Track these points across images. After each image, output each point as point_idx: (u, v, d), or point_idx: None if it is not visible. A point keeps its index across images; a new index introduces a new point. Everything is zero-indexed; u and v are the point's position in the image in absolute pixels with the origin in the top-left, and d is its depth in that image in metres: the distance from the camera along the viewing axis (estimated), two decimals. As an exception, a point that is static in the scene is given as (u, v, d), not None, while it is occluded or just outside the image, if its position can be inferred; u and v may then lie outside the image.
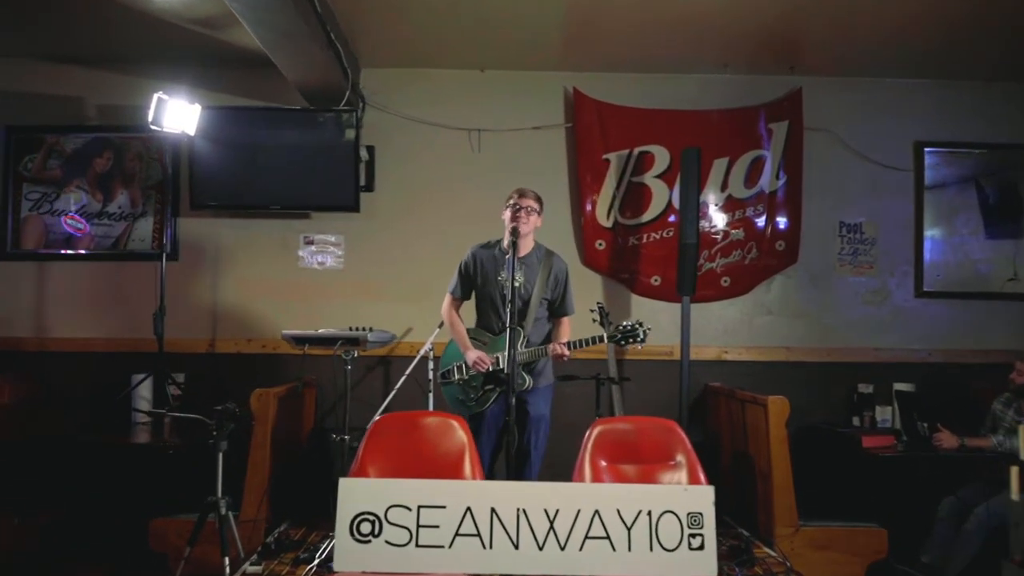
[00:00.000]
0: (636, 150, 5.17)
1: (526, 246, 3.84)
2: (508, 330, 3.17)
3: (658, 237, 5.18)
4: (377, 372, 5.24)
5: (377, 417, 4.70)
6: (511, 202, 3.78)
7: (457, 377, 3.83)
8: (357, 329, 3.68)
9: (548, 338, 3.88)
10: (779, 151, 5.17)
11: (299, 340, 3.74)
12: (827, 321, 5.27)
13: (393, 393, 4.78)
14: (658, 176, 5.18)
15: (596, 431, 3.08)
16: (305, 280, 5.27)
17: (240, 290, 5.26)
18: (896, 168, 5.28)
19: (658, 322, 5.16)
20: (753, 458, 4.30)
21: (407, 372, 4.80)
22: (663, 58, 5.01)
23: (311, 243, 5.28)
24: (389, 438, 2.80)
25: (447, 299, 4.00)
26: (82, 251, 5.23)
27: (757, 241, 5.18)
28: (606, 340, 3.68)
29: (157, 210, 5.24)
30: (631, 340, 3.66)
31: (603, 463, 2.80)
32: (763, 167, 5.18)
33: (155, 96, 4.46)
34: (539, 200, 3.85)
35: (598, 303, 4.47)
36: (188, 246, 5.28)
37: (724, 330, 5.27)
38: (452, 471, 2.69)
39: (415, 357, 4.82)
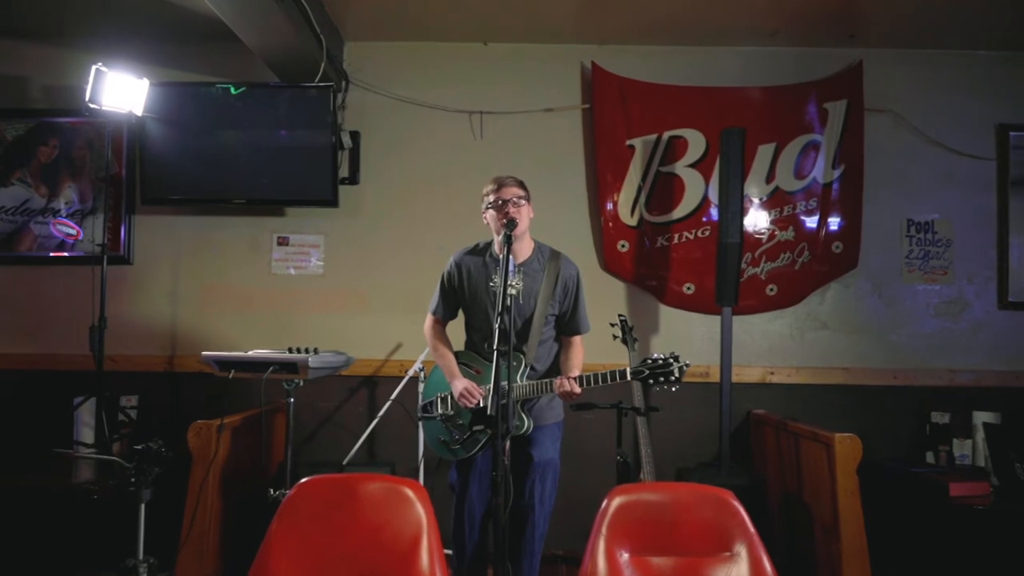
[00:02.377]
0: (666, 135, 4.39)
1: (524, 248, 3.07)
2: (495, 354, 2.38)
3: (692, 237, 4.39)
4: (361, 395, 4.49)
5: (352, 453, 4.00)
6: (489, 199, 3.01)
7: (440, 412, 3.05)
8: (298, 350, 2.89)
9: (556, 364, 3.10)
10: (835, 136, 4.36)
11: (223, 364, 2.97)
12: (893, 337, 4.44)
13: (373, 425, 4.02)
14: (692, 165, 4.38)
15: (615, 504, 2.10)
16: (278, 288, 4.53)
17: (203, 299, 4.53)
18: (975, 156, 4.45)
19: (691, 337, 4.40)
20: (810, 508, 3.49)
21: (392, 397, 4.05)
22: (697, 26, 4.23)
23: (285, 244, 4.54)
24: (312, 515, 1.92)
25: (428, 320, 3.24)
26: (25, 253, 4.53)
27: (809, 242, 4.37)
28: (629, 377, 2.86)
29: (110, 206, 4.53)
30: (662, 379, 2.83)
31: (624, 555, 1.92)
32: (816, 155, 4.38)
33: (92, 68, 3.75)
34: (523, 186, 3.07)
35: (620, 316, 3.70)
36: (144, 248, 4.56)
37: (770, 347, 4.46)
38: (402, 567, 1.84)
39: (404, 378, 4.08)
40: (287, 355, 2.87)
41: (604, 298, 4.41)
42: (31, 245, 4.54)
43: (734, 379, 4.18)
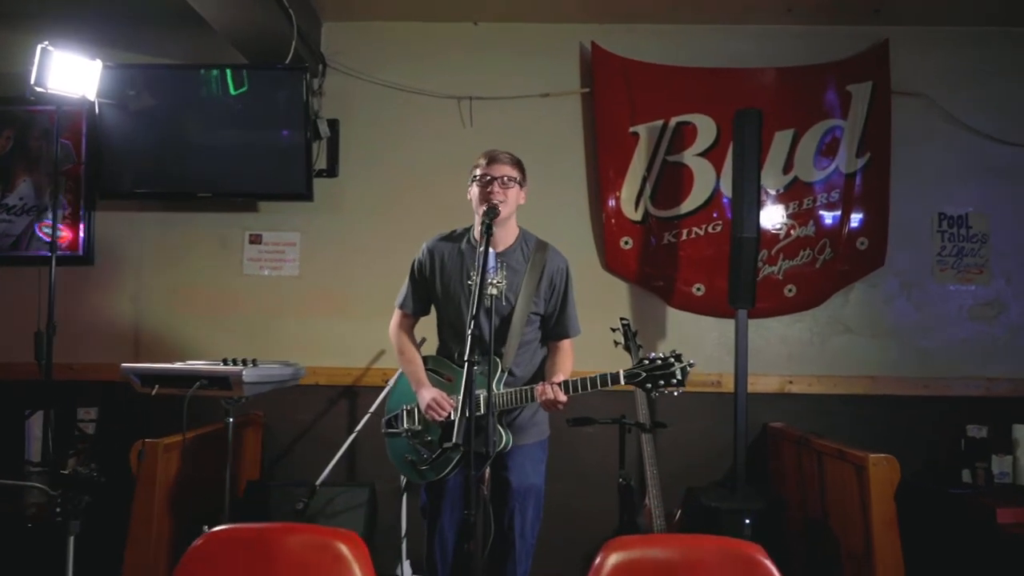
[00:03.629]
0: (673, 121, 4.00)
1: (506, 235, 2.68)
2: (466, 366, 2.00)
3: (702, 233, 4.00)
4: (341, 407, 4.11)
5: (327, 473, 3.62)
6: (477, 172, 2.64)
7: (406, 427, 2.66)
8: (234, 361, 2.50)
9: (541, 371, 2.72)
10: (859, 121, 3.97)
11: (145, 378, 2.58)
12: (923, 343, 4.04)
13: (350, 440, 3.63)
14: (701, 154, 4.00)
15: (610, 564, 1.56)
16: (250, 290, 4.16)
17: (170, 302, 4.17)
18: (1015, 144, 4.04)
19: (702, 343, 4.01)
20: (837, 536, 3.09)
21: (371, 410, 3.66)
22: (707, 2, 3.85)
23: (258, 242, 4.17)
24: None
25: (395, 316, 2.86)
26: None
27: (831, 238, 3.98)
28: (622, 380, 2.48)
29: (69, 202, 4.17)
30: (662, 383, 2.44)
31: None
32: (838, 142, 3.99)
33: (38, 48, 3.39)
34: (519, 166, 2.70)
35: (622, 320, 3.32)
36: (106, 247, 4.20)
37: (788, 354, 4.06)
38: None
39: (385, 388, 3.70)
40: (219, 367, 2.47)
41: (605, 300, 4.02)
42: (-16, 245, 4.18)
43: (750, 388, 3.78)
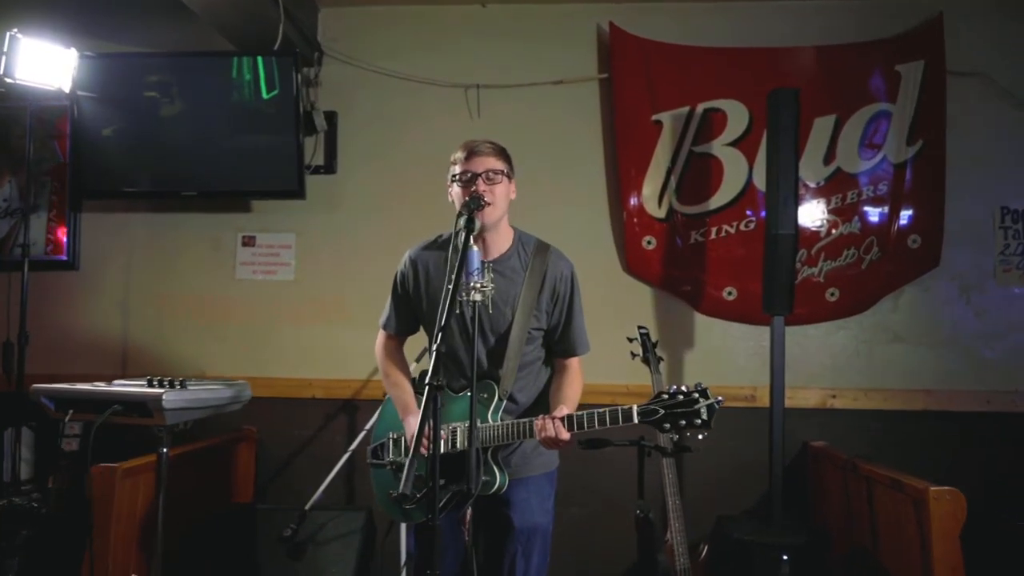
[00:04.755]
0: (700, 107, 3.62)
1: (499, 239, 2.31)
2: (427, 390, 1.67)
3: (732, 231, 3.61)
4: (340, 422, 3.81)
5: (318, 495, 3.30)
6: (456, 169, 2.26)
7: (391, 458, 2.32)
8: (159, 382, 2.16)
9: (547, 394, 2.36)
10: (910, 106, 3.55)
11: (60, 402, 2.25)
12: (985, 352, 3.60)
13: (343, 461, 3.33)
14: (732, 143, 3.62)
15: None
16: (244, 296, 3.88)
17: (158, 310, 3.90)
18: (1088, 128, 3.60)
19: (734, 353, 3.64)
20: (891, 577, 2.69)
21: (367, 427, 3.34)
22: (738, -26, 3.48)
23: (251, 244, 3.88)
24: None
25: (379, 337, 2.51)
26: (-41, 258, 3.95)
27: (879, 236, 3.56)
28: (635, 418, 2.10)
29: (54, 203, 3.93)
30: (683, 423, 2.04)
31: None
32: (886, 129, 3.58)
33: (7, 35, 3.15)
34: (504, 155, 2.30)
35: (640, 328, 2.96)
36: (92, 251, 3.95)
37: (831, 365, 3.65)
38: None
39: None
40: (137, 390, 2.14)
41: (626, 306, 3.66)
42: (-33, 249, 3.96)
43: (787, 403, 3.39)
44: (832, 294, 3.57)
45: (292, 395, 3.80)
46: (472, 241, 1.99)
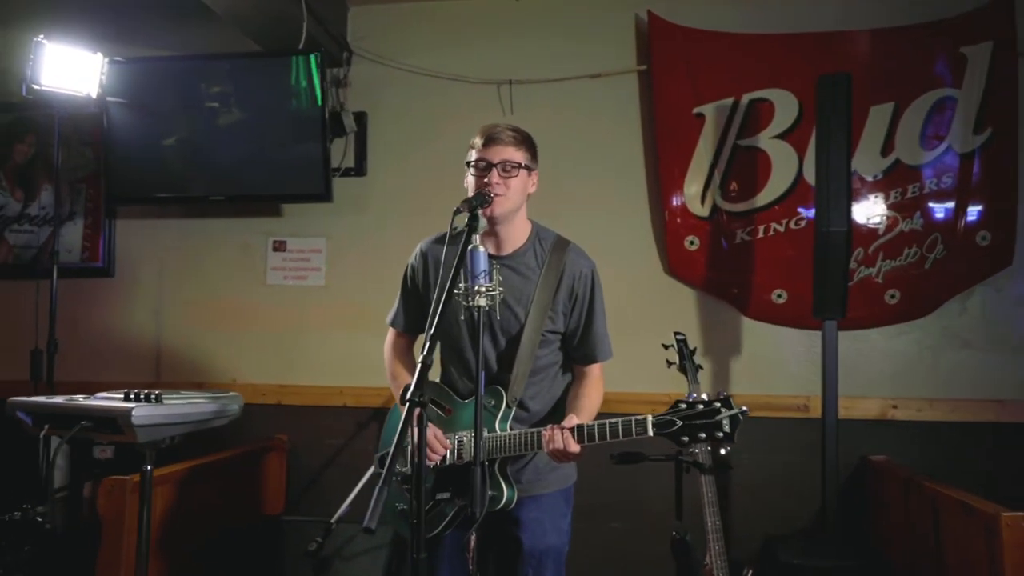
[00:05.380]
0: (745, 98, 3.40)
1: (514, 234, 2.15)
2: (407, 407, 1.52)
3: (782, 229, 3.38)
4: (371, 431, 3.69)
5: (344, 508, 3.19)
6: (472, 156, 2.11)
7: (396, 468, 2.18)
8: (136, 396, 2.04)
9: (564, 402, 2.19)
10: (977, 91, 3.27)
11: (37, 417, 2.14)
12: (1066, 359, 3.29)
13: (370, 473, 3.21)
14: (780, 136, 3.38)
15: None
16: (274, 301, 3.81)
17: (190, 316, 3.86)
18: None
19: (785, 359, 3.41)
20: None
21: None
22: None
23: (282, 249, 3.81)
24: None
25: (388, 335, 2.39)
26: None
27: (944, 233, 3.29)
28: (650, 430, 1.90)
29: (89, 210, 3.93)
30: (703, 436, 1.83)
31: None
32: (951, 117, 3.30)
33: (32, 43, 3.13)
34: (527, 144, 2.14)
35: (677, 334, 2.75)
36: (127, 257, 3.93)
37: (892, 373, 3.37)
38: None
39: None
40: (108, 404, 2.03)
41: (668, 310, 3.47)
42: (7, 256, 3.99)
43: (843, 414, 3.16)
44: (892, 296, 3.30)
45: (323, 403, 3.71)
46: (479, 241, 1.84)
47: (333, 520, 3.12)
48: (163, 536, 2.68)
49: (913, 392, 3.34)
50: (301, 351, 3.77)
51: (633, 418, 1.90)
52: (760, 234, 3.40)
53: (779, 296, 3.38)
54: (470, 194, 2.03)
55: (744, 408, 1.82)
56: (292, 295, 3.79)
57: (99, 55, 3.31)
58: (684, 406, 1.86)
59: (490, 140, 2.05)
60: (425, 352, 1.57)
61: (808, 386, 3.32)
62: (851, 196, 2.92)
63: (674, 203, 3.47)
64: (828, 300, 2.84)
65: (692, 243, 3.46)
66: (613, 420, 1.93)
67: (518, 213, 2.11)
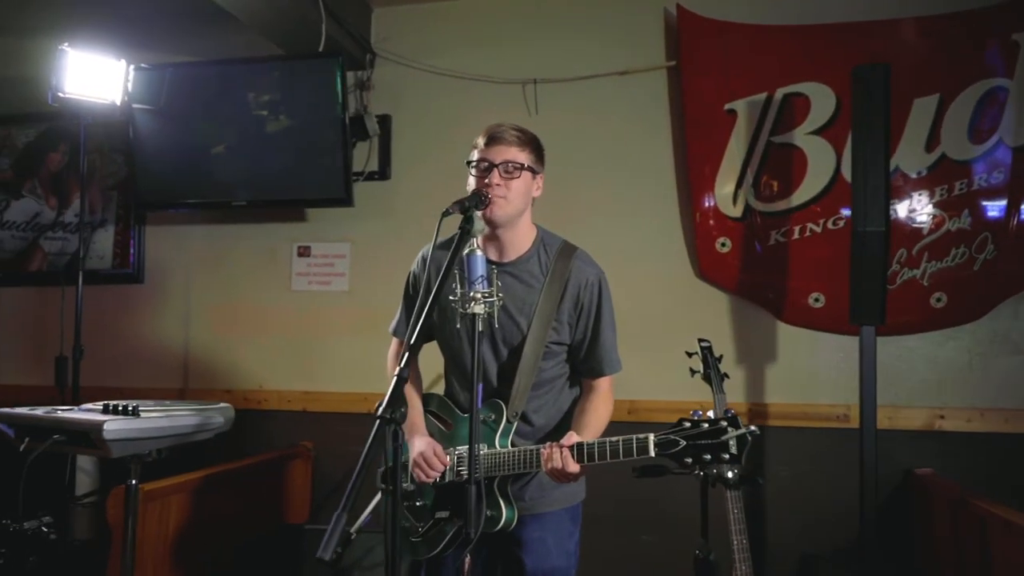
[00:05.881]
0: (779, 93, 3.25)
1: (516, 239, 2.04)
2: (376, 425, 1.43)
3: (818, 229, 3.22)
4: (395, 438, 3.62)
5: (364, 518, 3.13)
6: (474, 155, 2.03)
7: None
8: (114, 409, 1.97)
9: (570, 416, 2.08)
10: (1030, 80, 3.07)
11: (18, 428, 2.08)
12: None
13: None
14: (817, 131, 3.22)
15: None
16: (299, 307, 3.78)
17: (217, 322, 3.87)
18: None
19: (823, 366, 3.26)
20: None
21: (415, 445, 3.14)
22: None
23: (307, 254, 3.78)
24: None
25: (392, 346, 2.31)
26: (35, 271, 4.05)
27: (995, 232, 3.08)
28: (652, 451, 1.77)
29: (120, 217, 3.96)
30: (708, 458, 1.70)
31: None
32: (1001, 108, 3.09)
33: (56, 51, 3.16)
34: (532, 145, 2.04)
35: (701, 341, 2.63)
36: (156, 263, 3.96)
37: (938, 380, 3.18)
38: None
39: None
40: (81, 417, 1.96)
41: (699, 315, 3.33)
42: (42, 263, 4.05)
43: (885, 424, 3.01)
44: (938, 299, 3.11)
45: (348, 410, 3.66)
46: (477, 244, 1.75)
47: (353, 530, 3.07)
48: (179, 546, 2.65)
49: (962, 401, 3.14)
50: (325, 357, 3.73)
51: (634, 437, 1.78)
52: (796, 235, 3.24)
53: (816, 300, 3.22)
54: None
55: (753, 428, 1.70)
56: (317, 300, 3.76)
57: (123, 62, 3.32)
58: (688, 425, 1.74)
59: (493, 139, 1.97)
60: (402, 364, 1.49)
61: (848, 395, 3.15)
62: (889, 193, 2.74)
63: (705, 204, 3.34)
64: (865, 304, 2.68)
65: (724, 245, 3.31)
66: (614, 439, 1.82)
67: (521, 218, 2.01)
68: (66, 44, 3.17)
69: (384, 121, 3.68)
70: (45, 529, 2.15)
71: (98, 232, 3.96)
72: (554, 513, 2.02)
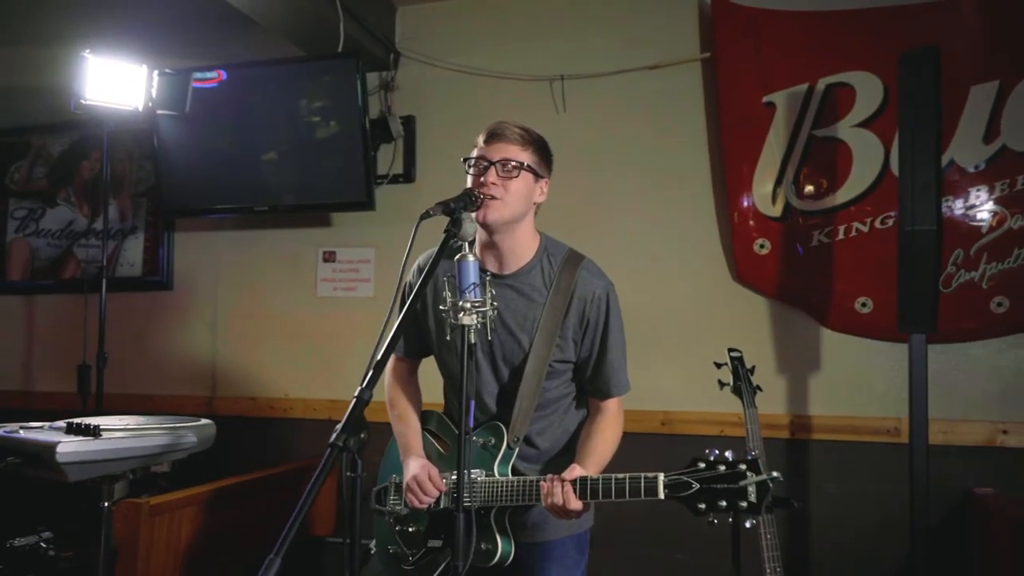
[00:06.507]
0: (821, 83, 3.04)
1: (516, 248, 1.88)
2: (328, 451, 1.31)
3: (865, 228, 3.00)
4: (421, 449, 3.52)
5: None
6: (473, 154, 1.88)
7: (390, 506, 1.99)
8: (76, 428, 1.84)
9: (576, 440, 1.92)
10: (1104, 63, 2.80)
11: None
12: None
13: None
14: (863, 124, 3.00)
15: None
16: (325, 314, 3.71)
17: (243, 329, 3.83)
18: None
19: (872, 376, 3.04)
20: None
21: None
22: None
23: (332, 260, 3.71)
24: None
25: (389, 362, 2.17)
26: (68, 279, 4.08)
27: (1063, 230, 2.82)
28: (661, 493, 1.59)
29: (149, 224, 3.96)
30: (724, 505, 1.54)
31: None
32: (1070, 95, 2.83)
33: (80, 56, 3.15)
34: (535, 145, 1.88)
35: (732, 351, 2.45)
36: (184, 270, 3.94)
37: (1000, 392, 2.92)
38: None
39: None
40: (35, 438, 1.86)
41: (736, 320, 3.15)
42: (75, 271, 4.07)
43: (940, 439, 2.79)
44: (999, 304, 2.86)
45: (373, 419, 3.51)
46: (468, 249, 1.62)
47: (372, 543, 2.97)
48: (191, 560, 2.59)
49: (1027, 415, 2.88)
50: (351, 364, 3.63)
51: (643, 477, 1.63)
52: (840, 235, 3.02)
53: (863, 305, 3.00)
54: None
55: (775, 474, 1.53)
56: (342, 307, 3.68)
57: (144, 67, 3.29)
58: (703, 466, 1.57)
59: (492, 136, 1.83)
60: (364, 383, 1.36)
61: (899, 407, 2.92)
62: (941, 189, 2.52)
63: (743, 203, 3.15)
64: (915, 310, 2.45)
65: (763, 247, 3.12)
66: (620, 477, 1.66)
67: (521, 224, 1.86)
68: (87, 51, 3.15)
69: (408, 122, 3.59)
70: (44, 545, 2.10)
71: (128, 239, 3.97)
72: (558, 542, 1.87)
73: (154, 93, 3.38)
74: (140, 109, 3.32)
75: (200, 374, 3.85)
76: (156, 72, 3.37)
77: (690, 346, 3.15)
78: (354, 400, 1.35)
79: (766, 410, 2.96)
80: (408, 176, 3.60)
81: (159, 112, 3.47)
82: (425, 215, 1.64)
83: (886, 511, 2.89)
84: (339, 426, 1.33)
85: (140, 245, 3.96)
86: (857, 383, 3.04)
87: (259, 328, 3.79)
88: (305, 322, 3.72)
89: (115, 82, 3.22)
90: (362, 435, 1.32)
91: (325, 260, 3.71)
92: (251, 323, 3.80)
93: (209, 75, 3.47)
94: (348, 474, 1.37)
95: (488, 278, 1.71)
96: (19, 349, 4.16)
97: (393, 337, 1.51)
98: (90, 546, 2.11)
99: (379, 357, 1.43)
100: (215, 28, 3.49)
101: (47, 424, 1.91)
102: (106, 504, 1.88)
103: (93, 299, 3.57)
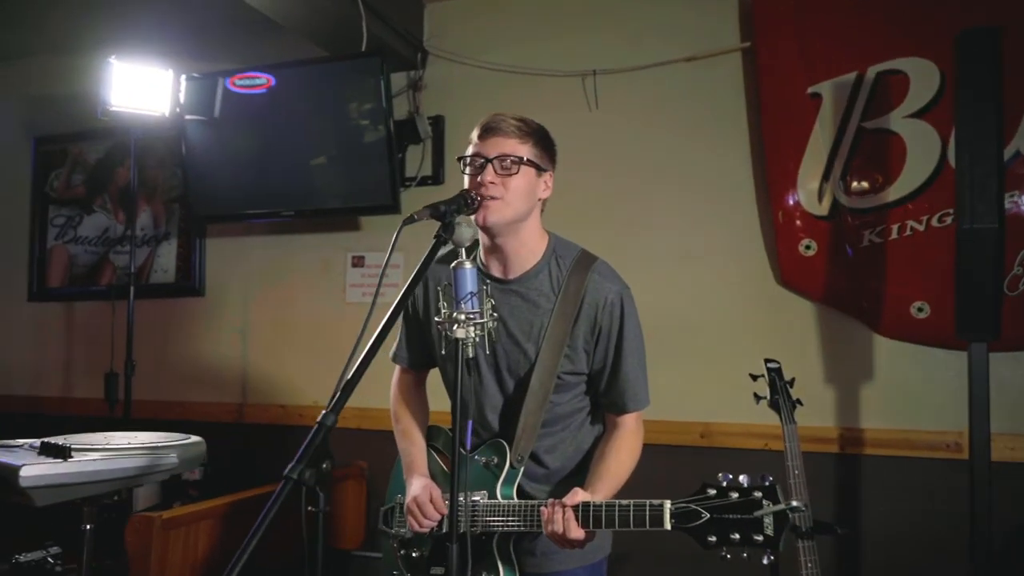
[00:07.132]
0: (871, 71, 2.84)
1: (520, 250, 1.74)
2: (282, 483, 1.19)
3: (921, 227, 2.78)
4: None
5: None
6: (469, 151, 1.76)
7: (394, 529, 1.87)
8: (44, 447, 1.74)
9: (587, 462, 1.77)
10: None
11: None
12: None
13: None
14: (917, 114, 2.79)
15: None
16: (353, 320, 3.62)
17: (273, 336, 3.78)
18: None
19: (930, 387, 2.83)
20: None
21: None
22: None
23: (360, 264, 3.63)
24: None
25: (395, 373, 2.07)
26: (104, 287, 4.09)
27: None
28: (667, 523, 1.44)
29: (182, 230, 3.94)
30: (736, 538, 1.38)
31: None
32: None
33: (105, 63, 3.13)
34: (535, 138, 1.73)
35: (768, 362, 2.27)
36: (216, 276, 3.91)
37: (1075, 405, 2.68)
38: None
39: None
40: (1, 458, 1.77)
41: (781, 326, 2.96)
42: (111, 277, 4.08)
43: (1006, 456, 2.58)
44: (1071, 308, 2.61)
45: (380, 428, 3.48)
46: (464, 256, 1.51)
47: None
48: (209, 574, 2.52)
49: (1106, 430, 2.63)
50: (380, 372, 3.52)
51: (648, 504, 1.47)
52: (894, 235, 2.81)
53: (920, 310, 2.77)
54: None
55: (794, 503, 1.37)
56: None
57: (170, 72, 3.26)
58: (714, 493, 1.41)
59: (488, 130, 1.70)
60: (330, 407, 1.25)
61: (959, 420, 2.67)
62: (1004, 183, 2.29)
63: (787, 201, 2.96)
64: (974, 316, 2.24)
65: (809, 248, 2.92)
66: (624, 503, 1.51)
67: (525, 224, 1.72)
68: (113, 56, 3.13)
69: (437, 122, 3.49)
70: (51, 561, 2.05)
71: (162, 246, 3.96)
72: (570, 572, 1.73)
73: (182, 98, 3.35)
74: (167, 115, 3.28)
75: (231, 381, 3.82)
76: (184, 77, 3.33)
77: (731, 354, 2.97)
78: (316, 425, 1.22)
79: (813, 422, 2.78)
80: (437, 178, 3.50)
81: (187, 117, 3.43)
82: (409, 220, 1.53)
83: (944, 533, 2.67)
84: (302, 449, 1.20)
85: (173, 251, 3.94)
86: (913, 394, 2.82)
87: (288, 334, 3.73)
88: (334, 328, 3.65)
89: (141, 88, 3.20)
90: (324, 466, 1.20)
91: (354, 265, 3.63)
92: (280, 329, 3.75)
93: (258, 80, 3.42)
94: (308, 508, 1.23)
95: (489, 286, 1.59)
96: (59, 355, 4.20)
97: (366, 355, 1.38)
98: (99, 561, 2.07)
99: (348, 376, 1.31)
100: (233, 31, 3.45)
101: (27, 442, 1.84)
102: (87, 527, 1.80)
103: (123, 306, 3.57)
